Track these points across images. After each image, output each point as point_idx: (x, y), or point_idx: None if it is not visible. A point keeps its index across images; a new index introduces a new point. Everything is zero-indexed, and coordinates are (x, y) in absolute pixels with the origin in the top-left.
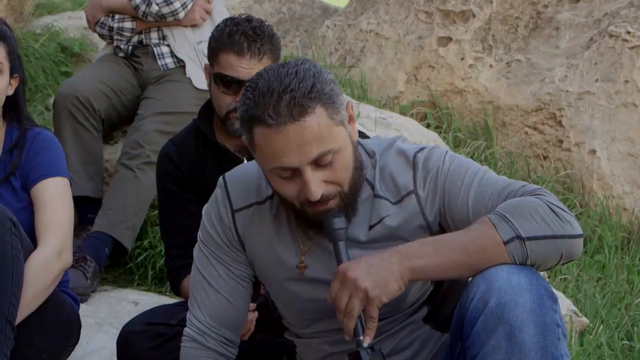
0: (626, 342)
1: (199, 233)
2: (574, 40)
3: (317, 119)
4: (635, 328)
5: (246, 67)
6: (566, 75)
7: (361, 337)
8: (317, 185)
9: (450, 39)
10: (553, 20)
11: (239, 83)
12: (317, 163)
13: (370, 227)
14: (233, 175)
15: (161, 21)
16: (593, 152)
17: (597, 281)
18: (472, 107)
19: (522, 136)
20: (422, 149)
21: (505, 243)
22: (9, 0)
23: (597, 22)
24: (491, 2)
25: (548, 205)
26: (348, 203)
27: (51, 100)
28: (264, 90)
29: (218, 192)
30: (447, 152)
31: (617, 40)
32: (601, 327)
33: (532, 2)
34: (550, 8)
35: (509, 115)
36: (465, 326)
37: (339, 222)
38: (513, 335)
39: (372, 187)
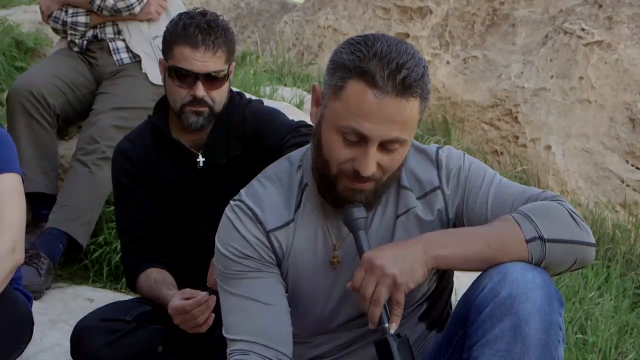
0: (580, 335)
1: (218, 264)
2: (529, 37)
3: (413, 106)
4: (589, 322)
5: (200, 60)
6: (522, 72)
7: (386, 325)
8: (373, 162)
9: (407, 35)
10: (509, 17)
11: (194, 76)
12: (385, 146)
13: (397, 217)
14: (253, 199)
15: (116, 16)
16: (548, 147)
17: (552, 275)
18: (429, 103)
19: (479, 132)
20: (440, 147)
21: (528, 241)
22: None
23: (553, 19)
24: None
25: (569, 212)
26: (378, 193)
27: (4, 95)
28: (383, 53)
29: (242, 217)
30: (464, 153)
31: (572, 37)
32: None
33: None
34: (506, 5)
35: (466, 112)
36: (471, 314)
37: (358, 212)
38: (519, 327)
39: (398, 178)
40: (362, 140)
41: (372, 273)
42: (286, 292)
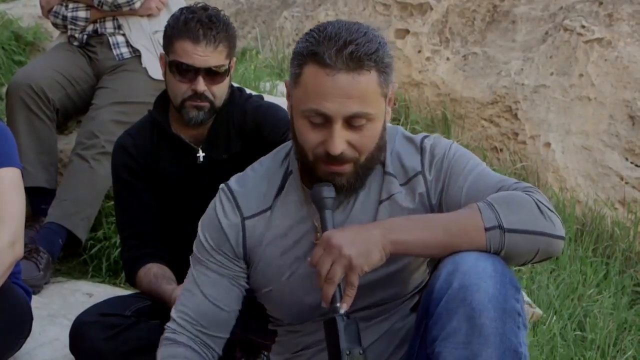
0: (578, 332)
1: (194, 245)
2: (530, 34)
3: (368, 80)
4: (588, 318)
5: (202, 54)
6: (522, 69)
7: (338, 304)
8: (341, 140)
9: (407, 32)
10: (510, 14)
11: (195, 71)
12: (350, 123)
13: (380, 202)
14: (240, 182)
15: (117, 11)
16: (548, 145)
17: (550, 272)
18: (429, 99)
19: (479, 129)
20: (427, 135)
21: (487, 230)
22: None
23: (553, 16)
24: None
25: (535, 203)
26: (359, 175)
27: (4, 90)
28: (331, 35)
29: (224, 202)
30: (453, 142)
31: (572, 34)
32: (554, 318)
33: None
34: (506, 1)
35: (466, 108)
36: (431, 306)
37: (327, 191)
38: (473, 318)
39: (383, 164)
40: (326, 120)
41: (329, 252)
42: (251, 283)
